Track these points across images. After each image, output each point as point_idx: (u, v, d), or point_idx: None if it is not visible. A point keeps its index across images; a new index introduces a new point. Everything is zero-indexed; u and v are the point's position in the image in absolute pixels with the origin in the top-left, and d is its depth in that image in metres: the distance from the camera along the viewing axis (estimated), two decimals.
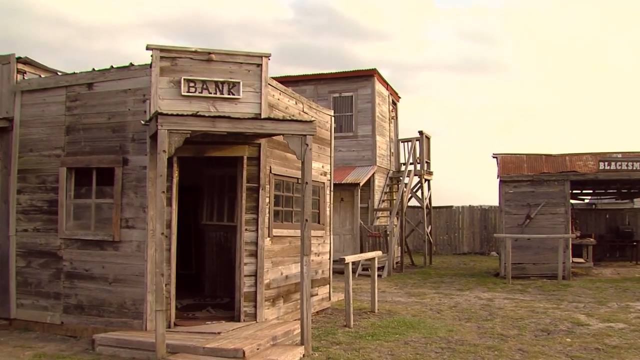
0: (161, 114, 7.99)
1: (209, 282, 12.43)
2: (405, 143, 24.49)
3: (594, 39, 72.59)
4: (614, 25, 72.26)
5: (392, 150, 24.63)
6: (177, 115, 8.13)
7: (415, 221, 26.16)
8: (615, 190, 24.82)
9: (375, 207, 21.99)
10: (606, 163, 18.86)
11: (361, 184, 20.56)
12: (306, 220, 8.68)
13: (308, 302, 8.67)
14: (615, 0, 70.75)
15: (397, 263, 21.61)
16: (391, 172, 24.13)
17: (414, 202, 25.04)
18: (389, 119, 24.32)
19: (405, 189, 22.32)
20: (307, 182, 8.67)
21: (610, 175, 19.07)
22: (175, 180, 9.52)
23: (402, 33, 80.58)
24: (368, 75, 22.06)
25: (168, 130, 7.97)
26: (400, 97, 26.07)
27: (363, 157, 21.74)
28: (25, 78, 11.01)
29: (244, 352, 7.83)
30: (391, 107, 24.69)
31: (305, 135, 8.62)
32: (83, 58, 70.51)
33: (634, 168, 18.67)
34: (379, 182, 22.63)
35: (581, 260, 20.29)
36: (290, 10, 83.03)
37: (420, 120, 69.10)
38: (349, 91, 22.25)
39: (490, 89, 75.28)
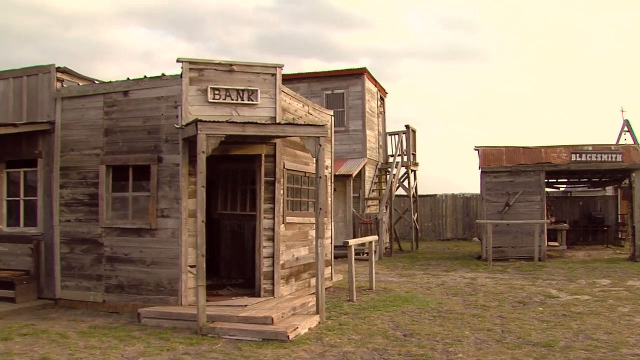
0: (200, 120, 9.51)
1: (224, 265, 13.96)
2: (393, 136, 26.14)
3: (574, 25, 74.47)
4: (594, 12, 74.17)
5: (381, 143, 26.30)
6: (214, 122, 9.65)
7: (402, 209, 27.81)
8: (587, 180, 26.66)
9: (366, 196, 23.66)
10: (578, 155, 20.62)
11: (353, 175, 22.17)
12: (320, 208, 10.26)
13: (322, 277, 10.27)
14: None
15: (386, 248, 23.20)
16: (380, 163, 25.81)
17: (400, 192, 26.66)
18: (378, 114, 25.97)
19: (393, 180, 23.93)
20: (320, 177, 10.25)
21: (581, 166, 20.85)
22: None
23: (383, 21, 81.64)
24: (358, 74, 23.70)
25: (206, 134, 9.48)
26: (387, 93, 27.72)
27: (354, 150, 23.34)
28: (64, 85, 12.44)
29: (272, 319, 9.42)
30: (379, 103, 26.35)
31: (318, 137, 10.16)
32: (61, 47, 70.50)
33: (603, 159, 20.47)
34: (369, 173, 24.29)
35: (556, 243, 22.07)
36: None
37: (402, 109, 70.33)
38: (340, 88, 23.83)
39: (472, 77, 76.86)
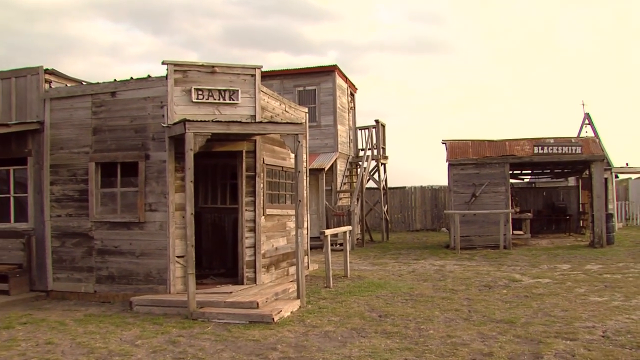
0: (188, 120, 10.21)
1: (206, 256, 14.67)
2: (363, 130, 26.97)
3: (543, 17, 75.93)
4: (562, 4, 75.69)
5: (351, 138, 27.12)
6: (201, 121, 10.36)
7: (372, 201, 28.65)
8: (549, 171, 27.78)
9: (338, 189, 24.48)
10: (540, 147, 21.64)
11: (325, 169, 22.95)
12: (299, 200, 11.02)
13: (302, 264, 11.03)
14: None
15: (357, 239, 24.03)
16: (351, 157, 26.65)
17: (371, 184, 27.49)
18: (348, 109, 26.79)
19: (364, 173, 24.76)
20: (299, 171, 11.00)
21: (543, 158, 21.88)
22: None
23: (351, 13, 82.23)
24: (329, 71, 24.48)
25: (194, 133, 10.18)
26: (357, 89, 28.53)
27: (326, 145, 24.12)
28: (52, 86, 13.01)
29: (257, 303, 10.17)
30: (349, 99, 27.17)
31: (297, 134, 10.91)
32: (26, 42, 69.75)
33: (564, 152, 21.52)
34: (341, 166, 25.10)
35: (520, 232, 23.11)
36: None
37: (371, 102, 71.15)
38: (312, 85, 24.59)
39: (440, 69, 77.97)
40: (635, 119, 69.52)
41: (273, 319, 9.64)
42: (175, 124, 10.90)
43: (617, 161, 30.61)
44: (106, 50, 79.90)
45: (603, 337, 8.32)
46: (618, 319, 9.39)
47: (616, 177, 31.41)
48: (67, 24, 77.25)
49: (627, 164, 30.69)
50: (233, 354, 7.88)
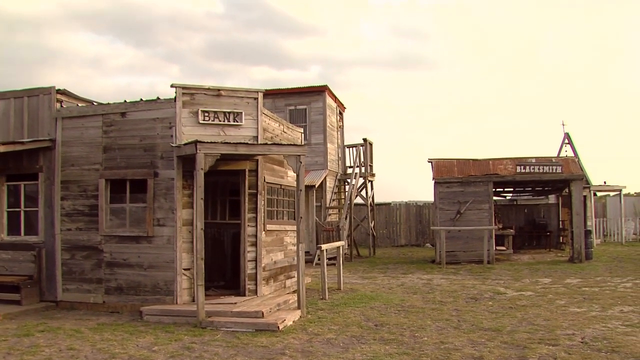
0: (199, 141, 10.96)
1: (206, 269, 15.27)
2: (351, 148, 27.79)
3: (525, 34, 77.46)
4: (544, 21, 77.26)
5: (340, 155, 27.96)
6: (211, 142, 11.12)
7: (359, 217, 29.44)
8: (531, 189, 28.78)
9: (327, 205, 25.27)
10: (522, 167, 22.62)
11: (316, 186, 23.72)
12: (300, 217, 11.79)
13: (302, 276, 11.77)
14: None
15: (345, 254, 24.73)
16: (339, 174, 27.48)
17: (358, 200, 28.28)
18: (337, 128, 27.66)
19: (352, 190, 25.56)
20: (301, 189, 11.76)
21: (525, 177, 22.87)
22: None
23: (335, 29, 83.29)
24: (320, 91, 25.37)
25: (204, 153, 10.93)
26: (345, 108, 29.42)
27: (316, 162, 24.91)
28: (63, 106, 13.68)
29: (262, 313, 10.91)
30: (338, 117, 28.05)
31: (299, 155, 11.68)
32: (7, 53, 69.61)
33: (545, 171, 22.51)
34: (330, 183, 25.92)
35: (503, 248, 24.03)
36: (221, 5, 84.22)
37: (355, 117, 72.11)
38: (303, 104, 25.45)
39: (424, 85, 79.19)
40: (613, 137, 71.15)
41: (278, 327, 10.37)
42: (186, 144, 11.62)
43: (595, 179, 31.75)
44: (88, 62, 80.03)
45: (582, 342, 9.16)
46: (595, 327, 10.24)
47: (594, 194, 32.46)
48: (49, 35, 77.29)
49: (605, 182, 31.76)
50: (246, 359, 8.59)
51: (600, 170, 76.29)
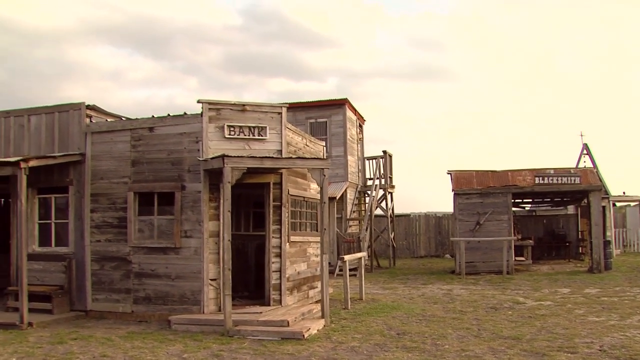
0: (227, 156, 11.33)
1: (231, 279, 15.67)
2: (371, 160, 28.13)
3: (542, 44, 77.48)
4: (561, 30, 77.26)
5: (360, 167, 28.28)
6: (238, 156, 11.50)
7: (379, 228, 29.71)
8: (550, 200, 28.92)
9: (348, 217, 25.57)
10: (541, 178, 22.83)
11: (337, 198, 24.05)
12: (325, 229, 12.12)
13: (327, 286, 12.09)
14: (560, 5, 75.77)
15: (366, 265, 25.01)
16: (359, 186, 27.78)
17: (378, 212, 28.58)
18: (357, 140, 28.00)
19: (373, 202, 25.87)
20: (324, 202, 12.10)
21: (544, 188, 23.07)
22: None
23: (352, 40, 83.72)
24: (340, 104, 25.76)
25: (231, 167, 11.30)
26: (365, 120, 29.73)
27: (337, 175, 25.23)
28: (92, 121, 14.12)
29: (288, 322, 11.23)
30: (358, 130, 28.40)
31: (323, 169, 12.02)
32: (27, 67, 70.64)
33: (563, 182, 22.69)
34: (350, 195, 26.25)
35: (522, 258, 24.24)
36: (239, 17, 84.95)
37: (372, 128, 72.34)
38: (323, 117, 25.85)
39: (441, 96, 79.36)
40: (633, 147, 70.83)
41: (303, 335, 10.69)
42: (213, 158, 11.99)
43: (615, 189, 31.86)
44: (107, 75, 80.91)
45: (600, 350, 9.39)
46: (614, 336, 10.45)
47: (614, 205, 32.51)
48: (68, 49, 78.25)
49: (624, 193, 31.85)
50: None
51: (619, 181, 75.95)
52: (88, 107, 14.17)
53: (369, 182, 27.54)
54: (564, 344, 9.87)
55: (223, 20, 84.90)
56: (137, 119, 13.72)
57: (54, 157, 13.49)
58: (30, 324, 12.21)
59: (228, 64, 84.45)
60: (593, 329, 11.14)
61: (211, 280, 12.58)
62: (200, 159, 12.56)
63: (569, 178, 22.80)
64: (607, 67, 78.02)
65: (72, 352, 9.93)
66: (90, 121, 14.14)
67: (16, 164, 12.28)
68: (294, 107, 25.64)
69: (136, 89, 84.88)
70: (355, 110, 27.60)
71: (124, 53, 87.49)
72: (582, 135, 33.12)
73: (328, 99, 26.30)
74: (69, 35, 76.95)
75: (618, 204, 35.28)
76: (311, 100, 26.46)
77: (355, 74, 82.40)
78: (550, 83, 79.45)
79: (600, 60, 78.12)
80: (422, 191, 55.98)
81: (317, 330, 11.44)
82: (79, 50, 79.45)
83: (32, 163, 12.60)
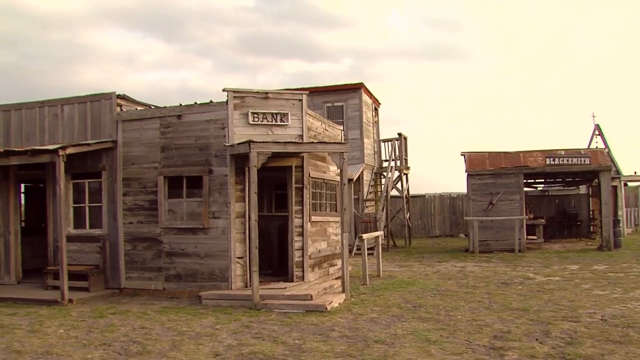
0: (252, 141, 12.12)
1: None
2: (386, 143, 28.85)
3: (558, 24, 77.42)
4: (576, 11, 77.09)
5: (375, 150, 29.03)
6: (263, 142, 12.29)
7: (395, 209, 30.46)
8: (561, 180, 29.56)
9: (365, 198, 26.36)
10: (552, 159, 23.50)
11: (354, 180, 24.82)
12: (344, 209, 12.89)
13: (347, 263, 12.90)
14: None
15: (382, 244, 25.80)
16: (375, 167, 28.56)
17: (394, 192, 29.32)
18: (373, 123, 28.74)
19: (388, 183, 26.64)
20: (344, 184, 12.86)
21: (554, 169, 23.74)
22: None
23: (365, 20, 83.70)
24: (356, 88, 26.52)
25: (257, 152, 12.08)
26: (380, 103, 30.45)
27: (353, 157, 25.99)
28: (123, 110, 14.93)
29: (311, 296, 12.06)
30: (374, 113, 29.15)
31: (342, 152, 12.77)
32: (40, 50, 71.16)
33: (573, 163, 23.35)
34: (366, 177, 27.04)
35: (534, 237, 24.96)
36: None
37: (386, 108, 72.40)
38: (339, 101, 26.61)
39: (455, 77, 79.48)
40: None
41: (326, 308, 11.51)
42: (239, 144, 12.77)
43: (627, 170, 32.36)
44: (121, 58, 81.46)
45: (601, 320, 10.14)
46: (616, 307, 11.21)
47: (625, 185, 33.04)
48: (81, 33, 78.75)
49: (635, 173, 32.35)
50: (301, 334, 9.72)
51: (633, 161, 76.14)
52: (119, 96, 14.97)
53: (385, 164, 28.29)
54: (568, 314, 10.63)
55: (235, 1, 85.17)
56: (165, 107, 14.51)
57: (89, 144, 14.31)
58: (70, 301, 13.11)
59: (241, 45, 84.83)
60: (597, 302, 11.89)
61: (238, 258, 13.40)
62: (227, 144, 13.33)
63: (579, 159, 23.45)
64: (622, 47, 77.92)
65: (114, 325, 10.78)
66: (121, 110, 14.93)
67: (55, 151, 13.09)
68: (311, 92, 26.24)
69: (149, 71, 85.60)
70: (371, 94, 28.30)
71: (137, 36, 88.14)
72: (594, 116, 33.54)
73: (344, 83, 27.06)
74: (81, 18, 77.59)
75: (631, 184, 35.80)
76: (327, 84, 27.24)
77: (370, 55, 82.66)
78: (566, 61, 79.43)
79: (615, 41, 78.02)
80: (437, 172, 56.55)
81: (339, 303, 12.26)
82: (92, 33, 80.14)
83: (69, 150, 13.42)
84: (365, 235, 15.74)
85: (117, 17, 78.97)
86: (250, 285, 12.97)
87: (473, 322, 10.20)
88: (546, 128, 73.07)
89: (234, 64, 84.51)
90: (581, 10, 78.93)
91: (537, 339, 8.90)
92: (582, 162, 23.40)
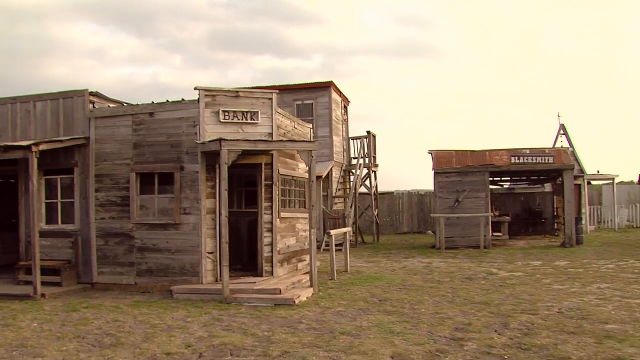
0: (223, 139, 12.41)
1: None
2: (355, 140, 29.27)
3: (529, 22, 78.48)
4: (546, 9, 78.21)
5: (345, 147, 29.42)
6: (233, 140, 12.58)
7: (363, 206, 30.91)
8: (526, 178, 30.23)
9: (334, 194, 26.74)
10: (516, 157, 24.10)
11: (322, 177, 25.17)
12: (312, 205, 13.24)
13: (314, 258, 13.27)
14: None
15: (350, 241, 26.21)
16: (344, 165, 28.94)
17: (362, 189, 29.77)
18: (342, 121, 29.10)
19: (357, 180, 27.05)
20: (312, 181, 13.21)
21: (519, 167, 24.35)
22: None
23: (337, 17, 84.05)
24: (326, 86, 26.85)
25: (228, 149, 12.38)
26: (349, 102, 30.84)
27: (323, 154, 26.34)
28: (95, 107, 15.10)
29: (280, 290, 12.39)
30: (343, 111, 29.50)
31: (311, 150, 13.12)
32: (8, 44, 69.89)
33: (538, 161, 23.98)
34: (336, 174, 27.41)
35: (499, 234, 25.54)
36: None
37: (357, 107, 72.62)
38: (309, 99, 26.95)
39: (426, 74, 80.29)
40: (611, 127, 72.44)
41: (294, 301, 11.85)
42: (211, 141, 13.05)
43: (592, 168, 33.21)
44: (90, 52, 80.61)
45: (558, 312, 10.62)
46: (572, 300, 11.72)
47: (589, 183, 33.88)
48: (50, 26, 77.86)
49: (598, 171, 33.20)
50: (270, 326, 10.04)
51: (597, 159, 77.64)
52: (91, 93, 15.14)
53: (354, 161, 28.70)
54: (527, 307, 11.11)
55: None
56: (137, 104, 14.71)
57: (61, 141, 14.47)
58: (43, 295, 13.27)
59: (213, 41, 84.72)
60: (555, 295, 12.40)
61: (209, 253, 13.69)
62: (198, 141, 13.61)
63: (543, 157, 24.08)
64: (590, 48, 79.28)
65: (87, 318, 11.01)
66: (94, 107, 15.11)
67: (27, 147, 13.24)
68: (281, 90, 26.54)
69: (119, 66, 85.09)
70: (340, 92, 28.68)
71: (107, 30, 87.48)
72: (559, 116, 34.40)
73: (314, 81, 27.36)
74: (51, 11, 76.65)
75: (595, 183, 36.69)
76: (298, 82, 27.53)
77: (341, 51, 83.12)
78: (534, 63, 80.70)
79: (584, 41, 79.35)
80: (406, 169, 57.19)
81: (307, 297, 12.62)
82: (61, 27, 79.29)
83: (42, 147, 13.59)
84: (333, 231, 16.12)
85: (88, 10, 78.38)
86: (220, 280, 13.22)
87: (436, 315, 10.62)
88: (516, 126, 74.31)
89: (205, 60, 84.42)
90: (551, 8, 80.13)
91: (496, 330, 9.34)
92: (546, 161, 24.04)
